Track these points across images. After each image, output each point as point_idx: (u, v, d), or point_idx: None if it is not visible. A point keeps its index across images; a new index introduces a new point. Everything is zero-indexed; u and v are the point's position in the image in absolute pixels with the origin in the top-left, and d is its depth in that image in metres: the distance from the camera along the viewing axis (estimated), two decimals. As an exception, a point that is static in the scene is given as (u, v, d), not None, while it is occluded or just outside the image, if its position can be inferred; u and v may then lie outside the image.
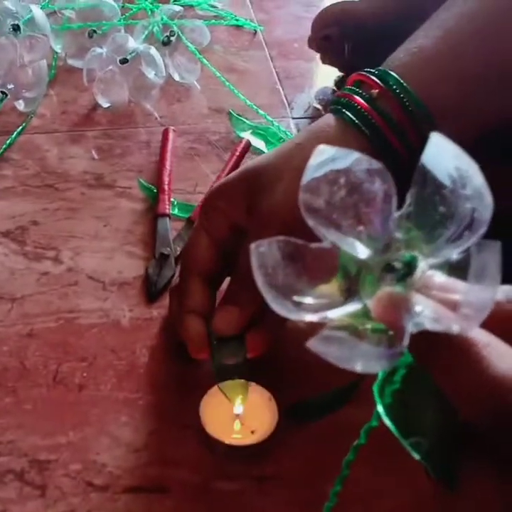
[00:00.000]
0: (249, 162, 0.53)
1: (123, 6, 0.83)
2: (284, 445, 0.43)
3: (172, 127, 0.69)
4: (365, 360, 0.25)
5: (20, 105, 0.71)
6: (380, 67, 0.50)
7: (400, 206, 0.28)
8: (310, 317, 0.27)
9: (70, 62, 0.78)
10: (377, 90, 0.48)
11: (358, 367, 0.25)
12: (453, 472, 0.27)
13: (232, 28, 0.88)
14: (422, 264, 0.27)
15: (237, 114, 0.72)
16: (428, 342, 0.26)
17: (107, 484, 0.42)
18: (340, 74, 0.79)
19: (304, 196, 0.28)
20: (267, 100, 0.75)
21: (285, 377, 0.47)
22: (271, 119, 0.71)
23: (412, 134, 0.47)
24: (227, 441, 0.43)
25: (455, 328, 0.25)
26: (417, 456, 0.27)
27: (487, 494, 0.26)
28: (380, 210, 0.27)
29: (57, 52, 0.78)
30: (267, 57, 0.83)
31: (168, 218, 0.60)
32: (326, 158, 0.28)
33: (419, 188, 0.27)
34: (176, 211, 0.61)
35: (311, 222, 0.27)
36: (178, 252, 0.57)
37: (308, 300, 0.27)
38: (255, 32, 0.88)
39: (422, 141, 0.27)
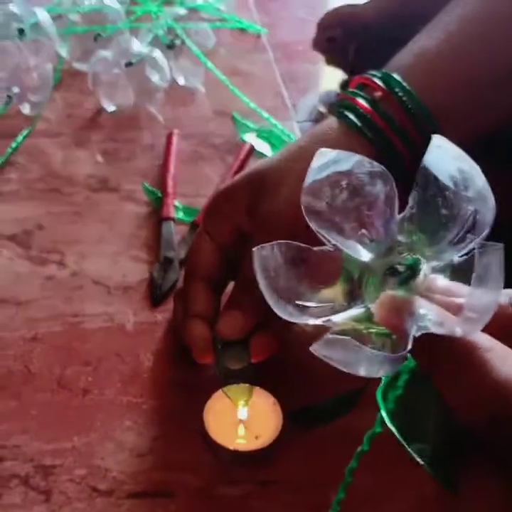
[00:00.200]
0: (252, 166, 0.52)
1: (128, 10, 0.83)
2: (288, 450, 0.43)
3: (176, 131, 0.69)
4: (368, 364, 0.25)
5: (26, 109, 0.71)
6: (382, 70, 0.50)
7: (402, 209, 0.27)
8: (313, 321, 0.27)
9: (75, 65, 0.78)
10: (380, 93, 0.48)
11: (362, 371, 0.25)
12: (456, 476, 0.27)
13: (237, 31, 0.88)
14: (425, 267, 0.27)
15: (242, 118, 0.72)
16: (431, 345, 0.26)
17: (111, 489, 0.42)
18: (345, 77, 0.79)
19: (306, 199, 0.28)
20: (271, 103, 0.75)
21: (290, 382, 0.47)
22: (275, 122, 0.71)
23: (414, 137, 0.47)
24: (231, 447, 0.42)
25: (458, 331, 0.25)
26: (420, 461, 0.26)
27: (490, 498, 0.26)
28: (382, 212, 0.27)
29: (62, 56, 0.78)
30: (271, 60, 0.83)
31: (172, 222, 0.60)
32: (328, 160, 0.28)
33: (421, 190, 0.27)
34: (180, 215, 0.61)
35: (313, 224, 0.27)
36: (183, 256, 0.56)
37: (311, 304, 0.27)
38: (259, 35, 0.87)
39: (425, 144, 0.27)
